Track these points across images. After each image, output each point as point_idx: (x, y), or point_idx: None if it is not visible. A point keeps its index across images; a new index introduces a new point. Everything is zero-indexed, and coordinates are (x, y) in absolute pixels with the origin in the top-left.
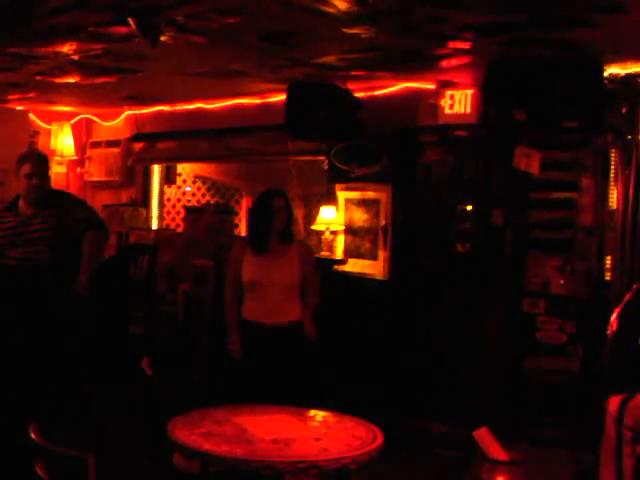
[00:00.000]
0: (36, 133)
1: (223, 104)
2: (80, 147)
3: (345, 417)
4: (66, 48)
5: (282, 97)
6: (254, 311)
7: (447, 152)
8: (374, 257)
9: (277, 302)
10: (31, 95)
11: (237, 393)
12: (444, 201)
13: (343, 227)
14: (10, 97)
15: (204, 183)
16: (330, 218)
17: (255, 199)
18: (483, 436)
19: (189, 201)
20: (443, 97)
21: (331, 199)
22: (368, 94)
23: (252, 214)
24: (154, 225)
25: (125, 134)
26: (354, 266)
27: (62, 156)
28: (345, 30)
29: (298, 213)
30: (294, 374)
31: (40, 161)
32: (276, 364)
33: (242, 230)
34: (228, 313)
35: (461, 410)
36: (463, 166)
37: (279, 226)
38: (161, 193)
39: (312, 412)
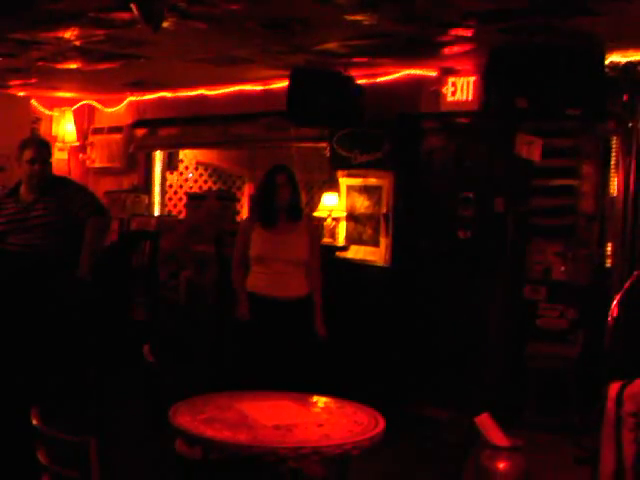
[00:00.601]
0: (38, 119)
1: (225, 90)
2: (82, 133)
3: (346, 403)
4: (68, 34)
5: (284, 84)
6: (260, 284)
7: (449, 139)
8: (376, 244)
9: (283, 277)
10: (33, 81)
11: (243, 364)
12: (446, 188)
13: (345, 214)
14: (12, 83)
15: (206, 170)
16: (332, 205)
17: (262, 177)
18: (484, 422)
19: (191, 188)
20: (445, 84)
21: (333, 186)
22: (370, 81)
23: (258, 190)
24: (156, 212)
25: (127, 120)
26: (356, 253)
27: (64, 142)
28: (347, 17)
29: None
30: (298, 350)
31: (42, 147)
32: (281, 337)
33: (244, 216)
34: (235, 281)
35: (462, 396)
36: (465, 153)
37: (282, 201)
38: (163, 180)
39: (314, 398)
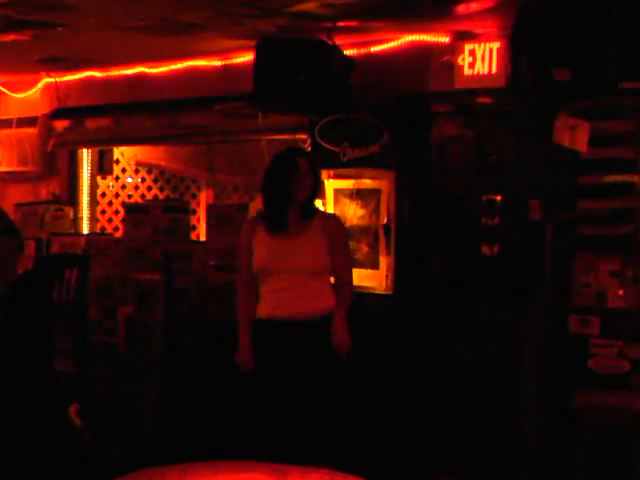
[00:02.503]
0: None
1: (172, 68)
2: None
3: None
4: None
5: (249, 57)
6: (267, 306)
7: (467, 126)
8: (374, 265)
9: (295, 292)
10: None
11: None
12: (464, 190)
13: None
14: None
15: (150, 173)
16: None
17: (271, 161)
18: None
19: (130, 197)
20: (461, 53)
21: None
22: (362, 51)
23: (268, 181)
24: (84, 229)
25: (43, 109)
26: None
27: None
28: None
29: None
30: (321, 385)
31: None
32: (300, 369)
33: (201, 233)
34: (239, 310)
35: (489, 462)
36: (488, 143)
37: (302, 194)
38: (93, 187)
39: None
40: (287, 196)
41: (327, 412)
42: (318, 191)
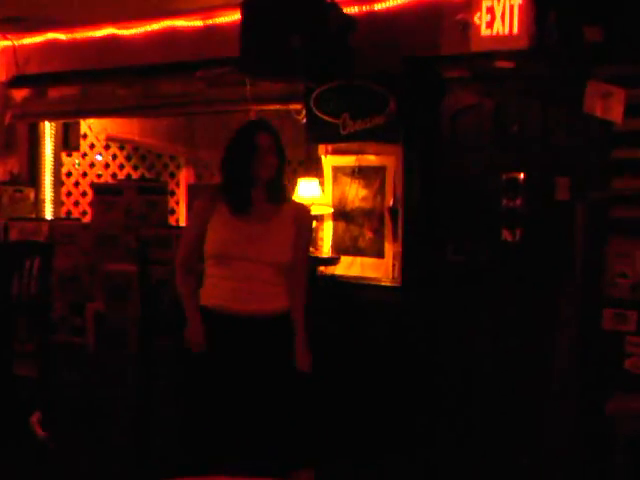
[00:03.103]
0: None
1: (147, 29)
2: None
3: None
4: None
5: (235, 17)
6: (220, 295)
7: (485, 94)
8: (378, 253)
9: (254, 285)
10: None
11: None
12: (482, 167)
13: (332, 209)
14: None
15: (122, 149)
16: (312, 196)
17: (231, 136)
18: None
19: (100, 176)
20: (477, 11)
21: (313, 168)
22: (364, 9)
23: (227, 157)
24: (47, 213)
25: None
26: (349, 267)
27: None
28: None
29: None
30: (275, 392)
31: None
32: (251, 373)
33: (180, 218)
34: (182, 290)
35: (509, 470)
36: (509, 114)
37: (265, 173)
38: (57, 165)
39: None
40: (246, 176)
41: (287, 419)
42: (283, 172)
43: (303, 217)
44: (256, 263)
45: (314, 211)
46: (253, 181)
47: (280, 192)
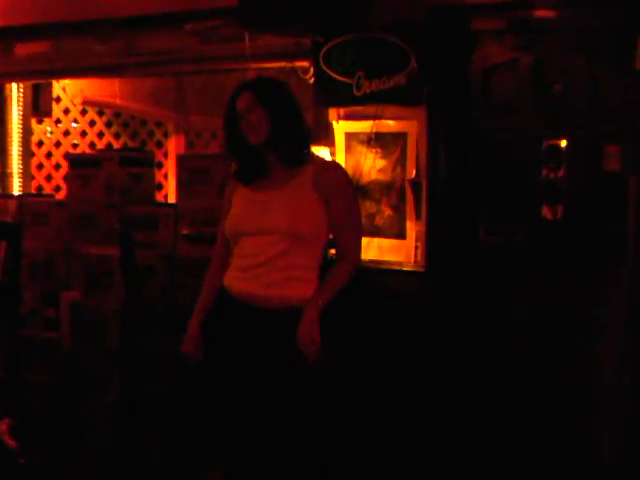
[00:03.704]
0: None
1: None
2: None
3: None
4: None
5: None
6: (230, 273)
7: (522, 48)
8: (399, 233)
9: (271, 264)
10: None
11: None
12: (519, 134)
13: None
14: None
15: (101, 114)
16: None
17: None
18: None
19: (76, 146)
20: None
21: (322, 135)
22: None
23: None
24: (15, 189)
25: None
26: (365, 249)
27: None
28: None
29: None
30: (284, 397)
31: None
32: (262, 376)
33: (169, 193)
34: (205, 281)
35: None
36: (549, 71)
37: (252, 137)
38: (25, 133)
39: None
40: (240, 144)
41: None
42: (293, 127)
43: (326, 176)
44: (268, 235)
45: None
46: (244, 148)
47: (292, 152)
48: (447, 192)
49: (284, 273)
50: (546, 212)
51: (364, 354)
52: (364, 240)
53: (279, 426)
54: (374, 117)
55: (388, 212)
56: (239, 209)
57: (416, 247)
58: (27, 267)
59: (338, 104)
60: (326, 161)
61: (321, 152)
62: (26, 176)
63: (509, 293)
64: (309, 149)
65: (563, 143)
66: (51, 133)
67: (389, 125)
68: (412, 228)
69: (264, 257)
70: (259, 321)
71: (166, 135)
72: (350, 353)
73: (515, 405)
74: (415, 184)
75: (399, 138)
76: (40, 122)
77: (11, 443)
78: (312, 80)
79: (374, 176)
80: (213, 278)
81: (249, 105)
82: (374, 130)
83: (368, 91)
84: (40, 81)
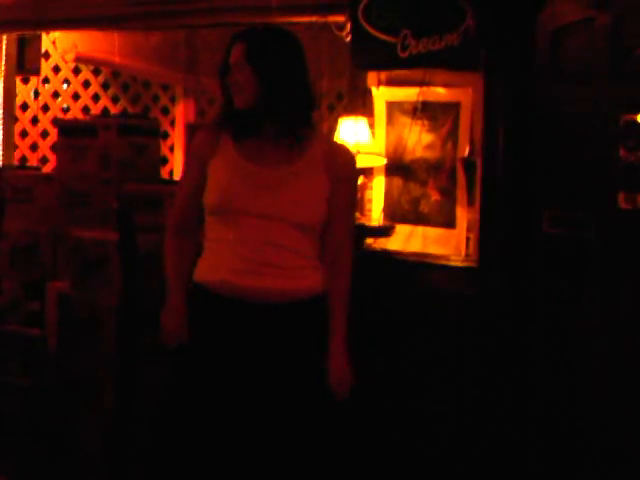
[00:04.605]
0: None
1: None
2: None
3: None
4: None
5: None
6: (220, 266)
7: (598, 5)
8: (448, 222)
9: (276, 254)
10: None
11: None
12: (592, 106)
13: (384, 160)
14: None
15: (97, 74)
16: (357, 142)
17: None
18: None
19: (66, 111)
20: None
21: (359, 103)
22: None
23: None
24: None
25: None
26: (407, 240)
27: None
28: None
29: None
30: (296, 410)
31: None
32: (260, 381)
33: (176, 168)
34: (170, 253)
35: None
36: (632, 33)
37: (237, 100)
38: (8, 95)
39: None
40: (229, 105)
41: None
42: (291, 91)
43: (338, 161)
44: (273, 221)
45: (360, 163)
46: (234, 111)
47: (290, 124)
48: (505, 174)
49: (295, 264)
50: (622, 201)
51: (401, 364)
52: (407, 228)
53: (292, 457)
54: (421, 83)
55: (435, 196)
56: (229, 179)
57: (468, 238)
58: (7, 252)
59: (379, 67)
60: (334, 142)
61: (357, 124)
62: (8, 145)
63: (576, 294)
64: (311, 120)
65: None
66: (38, 95)
67: (439, 93)
68: (463, 216)
69: (270, 246)
70: (268, 318)
71: (173, 100)
72: (384, 362)
73: (577, 406)
74: (468, 164)
75: (450, 109)
76: (25, 81)
77: None
78: (348, 38)
79: (420, 153)
80: (175, 247)
81: (238, 61)
82: (421, 99)
83: (415, 52)
84: (26, 33)
